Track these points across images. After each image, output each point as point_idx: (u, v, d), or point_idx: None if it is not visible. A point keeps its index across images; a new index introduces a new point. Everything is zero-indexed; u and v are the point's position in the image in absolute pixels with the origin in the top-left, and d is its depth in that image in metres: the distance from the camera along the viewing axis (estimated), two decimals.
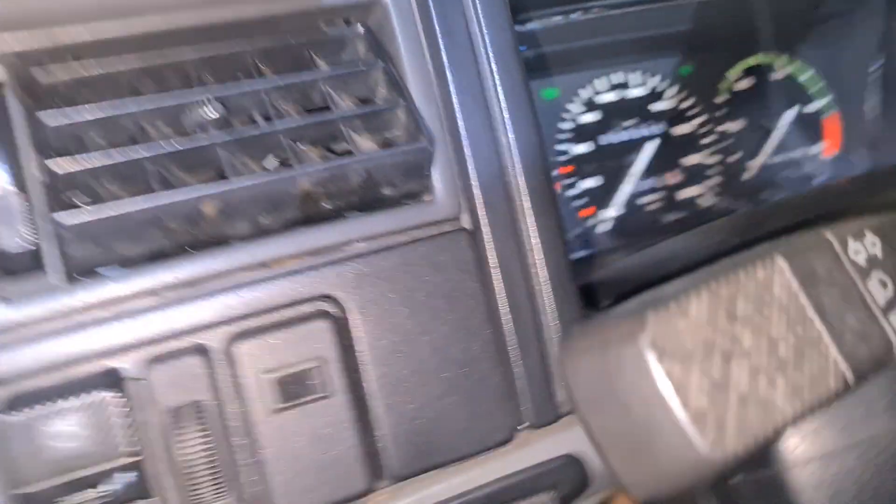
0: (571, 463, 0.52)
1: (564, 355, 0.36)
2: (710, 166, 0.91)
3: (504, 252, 0.51)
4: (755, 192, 0.92)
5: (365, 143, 0.50)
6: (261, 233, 0.48)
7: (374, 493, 0.49)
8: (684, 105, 0.90)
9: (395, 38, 0.51)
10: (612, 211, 0.87)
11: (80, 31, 0.46)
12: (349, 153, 0.49)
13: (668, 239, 0.57)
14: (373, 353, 0.48)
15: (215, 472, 0.45)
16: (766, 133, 0.92)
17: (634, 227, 0.88)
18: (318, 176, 0.47)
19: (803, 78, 0.93)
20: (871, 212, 0.41)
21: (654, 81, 0.89)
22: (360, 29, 0.52)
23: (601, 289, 0.57)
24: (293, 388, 0.47)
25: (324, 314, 0.48)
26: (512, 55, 0.53)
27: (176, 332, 0.46)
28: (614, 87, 0.88)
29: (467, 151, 0.51)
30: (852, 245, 0.35)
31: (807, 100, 0.93)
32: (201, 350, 0.46)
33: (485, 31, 0.53)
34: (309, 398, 0.47)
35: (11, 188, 0.43)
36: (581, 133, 0.87)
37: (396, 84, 0.50)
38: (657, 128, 0.89)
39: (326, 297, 0.48)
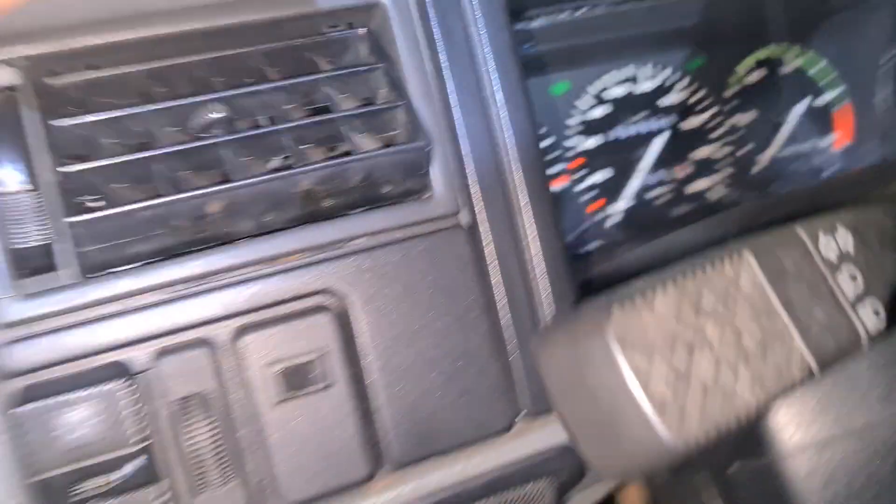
0: (568, 451, 0.54)
1: (537, 348, 0.37)
2: (719, 159, 0.91)
3: (501, 247, 0.53)
4: (765, 184, 0.92)
5: (366, 142, 0.51)
6: (265, 230, 0.49)
7: (376, 479, 0.51)
8: (694, 98, 0.91)
9: (395, 40, 0.53)
10: (622, 204, 0.88)
11: (90, 37, 0.48)
12: (350, 153, 0.50)
13: (674, 231, 0.58)
14: (373, 346, 0.50)
15: (221, 459, 0.47)
16: (777, 125, 0.92)
17: (644, 220, 0.89)
18: (318, 175, 0.49)
19: (814, 70, 0.93)
20: (877, 203, 0.42)
21: (664, 75, 0.90)
22: (362, 31, 0.53)
23: (605, 282, 0.59)
24: (296, 379, 0.49)
25: (325, 308, 0.50)
26: (509, 55, 0.54)
27: (183, 325, 0.48)
28: (624, 82, 0.89)
29: (465, 150, 0.53)
30: (823, 241, 0.36)
31: (818, 91, 0.93)
32: (208, 343, 0.48)
33: (482, 32, 0.54)
34: (312, 389, 0.49)
35: (26, 190, 0.45)
36: (591, 127, 0.88)
37: (396, 85, 0.52)
38: (667, 121, 0.90)
39: (328, 292, 0.50)
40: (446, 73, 0.53)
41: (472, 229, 0.53)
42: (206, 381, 0.47)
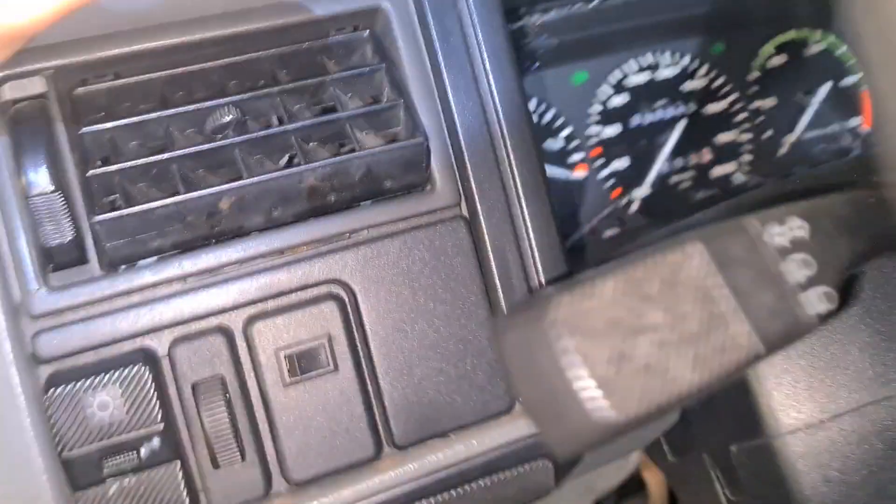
0: None
1: (497, 332, 0.40)
2: (742, 144, 0.92)
3: (499, 237, 0.55)
4: (789, 168, 0.92)
5: (370, 139, 0.54)
6: (274, 224, 0.53)
7: (381, 459, 0.54)
8: (716, 84, 0.91)
9: (396, 41, 0.55)
10: (644, 190, 0.90)
11: (113, 46, 0.52)
12: (354, 150, 0.53)
13: (690, 217, 0.60)
14: (377, 331, 0.53)
15: (236, 438, 0.50)
16: (801, 109, 0.92)
17: (666, 206, 0.90)
18: (322, 172, 0.52)
19: (840, 52, 0.93)
20: (837, 191, 0.44)
21: (685, 62, 0.91)
22: (365, 34, 0.56)
23: None
24: (304, 364, 0.52)
25: (332, 296, 0.53)
26: (504, 54, 0.56)
27: (200, 314, 0.51)
28: (644, 69, 0.90)
29: (464, 144, 0.55)
30: (771, 230, 0.38)
31: (844, 74, 0.93)
32: (223, 330, 0.51)
33: (479, 32, 0.56)
34: (319, 372, 0.52)
35: (55, 190, 0.49)
36: (611, 115, 0.89)
37: (397, 84, 0.55)
38: (688, 107, 0.91)
39: (334, 281, 0.53)
40: (445, 73, 0.55)
41: (471, 220, 0.55)
42: (221, 365, 0.51)
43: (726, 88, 0.92)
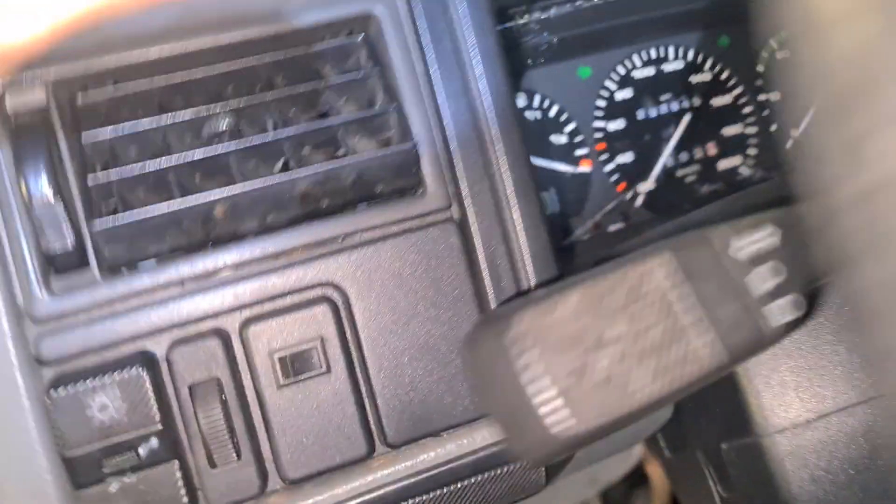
0: None
1: (464, 346, 0.41)
2: (748, 136, 0.92)
3: (490, 239, 0.56)
4: (797, 161, 0.92)
5: (363, 144, 0.55)
6: (269, 228, 0.54)
7: (373, 458, 0.55)
8: (722, 77, 0.91)
9: (389, 47, 0.56)
10: (649, 185, 0.90)
11: (111, 58, 0.53)
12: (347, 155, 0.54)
13: (694, 211, 0.60)
14: (370, 333, 0.54)
15: (232, 438, 0.52)
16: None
17: (671, 199, 0.90)
18: (314, 178, 0.53)
19: None
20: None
21: (691, 55, 0.91)
22: (359, 39, 0.57)
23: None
24: (299, 365, 0.53)
25: (325, 299, 0.54)
26: (495, 59, 0.57)
27: (197, 317, 0.53)
28: (649, 63, 0.90)
29: (455, 148, 0.56)
30: (738, 242, 0.38)
31: None
32: (219, 333, 0.53)
33: (470, 37, 0.57)
34: (312, 374, 0.53)
35: (56, 197, 0.51)
36: (617, 109, 0.90)
37: (389, 89, 0.56)
38: (694, 100, 0.91)
39: (327, 284, 0.54)
40: (436, 77, 0.56)
41: (463, 223, 0.56)
42: (218, 367, 0.52)
43: (732, 81, 0.91)
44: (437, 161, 0.56)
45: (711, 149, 0.91)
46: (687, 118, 0.90)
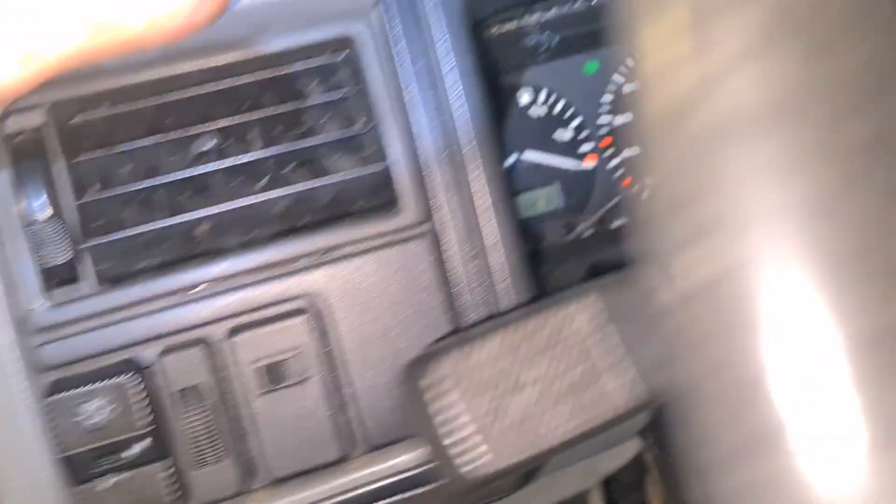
0: None
1: (400, 379, 0.43)
2: None
3: (465, 255, 0.58)
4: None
5: (343, 162, 0.58)
6: (252, 243, 0.57)
7: (354, 459, 0.58)
8: None
9: (366, 68, 0.58)
10: None
11: (106, 81, 0.56)
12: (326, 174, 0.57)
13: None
14: (349, 343, 0.57)
15: (215, 441, 0.56)
16: None
17: None
18: (294, 196, 0.56)
19: None
20: None
21: None
22: (341, 59, 0.59)
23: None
24: (280, 373, 0.57)
25: (305, 311, 0.57)
26: (471, 77, 0.59)
27: (186, 326, 0.56)
28: None
29: (430, 166, 0.58)
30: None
31: None
32: (203, 342, 0.56)
33: (447, 55, 0.58)
34: (292, 381, 0.57)
35: (53, 216, 0.55)
36: (624, 104, 0.90)
37: (368, 108, 0.58)
38: None
39: (306, 297, 0.57)
40: (413, 97, 0.58)
41: (438, 239, 0.58)
42: (203, 375, 0.56)
43: None
44: (413, 179, 0.58)
45: None
46: None
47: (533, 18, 0.80)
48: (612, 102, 0.89)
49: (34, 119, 0.56)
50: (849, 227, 0.22)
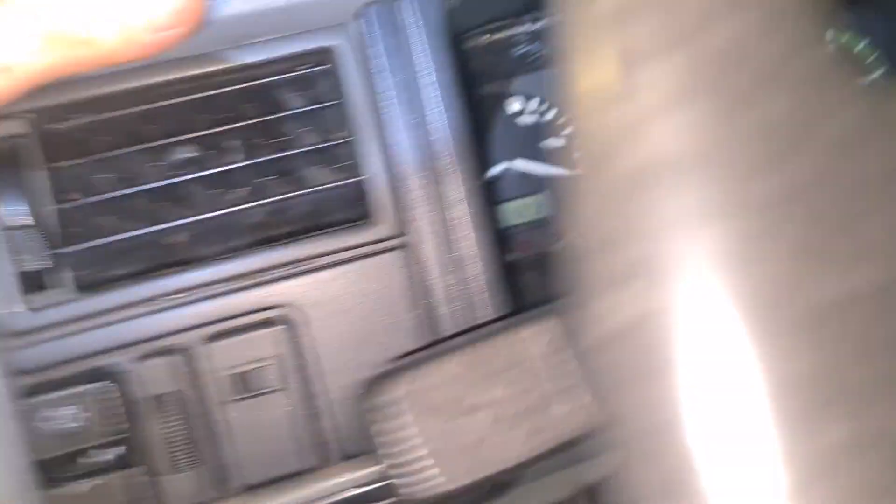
0: None
1: (357, 397, 0.44)
2: None
3: (442, 268, 0.58)
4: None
5: (321, 174, 0.58)
6: (229, 252, 0.57)
7: (329, 467, 0.59)
8: None
9: (346, 80, 0.58)
10: None
11: (85, 89, 0.57)
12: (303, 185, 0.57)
13: None
14: (324, 352, 0.58)
15: (190, 448, 0.56)
16: None
17: None
18: (271, 207, 0.56)
19: (858, 49, 0.90)
20: None
21: None
22: (321, 70, 0.60)
23: None
24: (256, 381, 0.57)
25: (282, 319, 0.58)
26: (451, 90, 0.59)
27: (163, 333, 0.57)
28: None
29: (408, 179, 0.58)
30: None
31: (862, 73, 0.90)
32: (179, 350, 0.57)
33: (427, 68, 0.59)
34: (269, 389, 0.57)
35: (33, 224, 0.55)
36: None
37: (347, 121, 0.58)
38: None
39: (282, 306, 0.58)
40: (392, 109, 0.58)
41: (415, 251, 0.58)
42: (178, 382, 0.56)
43: None
44: (389, 192, 0.58)
45: None
46: None
47: (523, 28, 0.80)
48: None
49: (15, 127, 0.57)
50: (762, 279, 0.22)
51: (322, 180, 0.58)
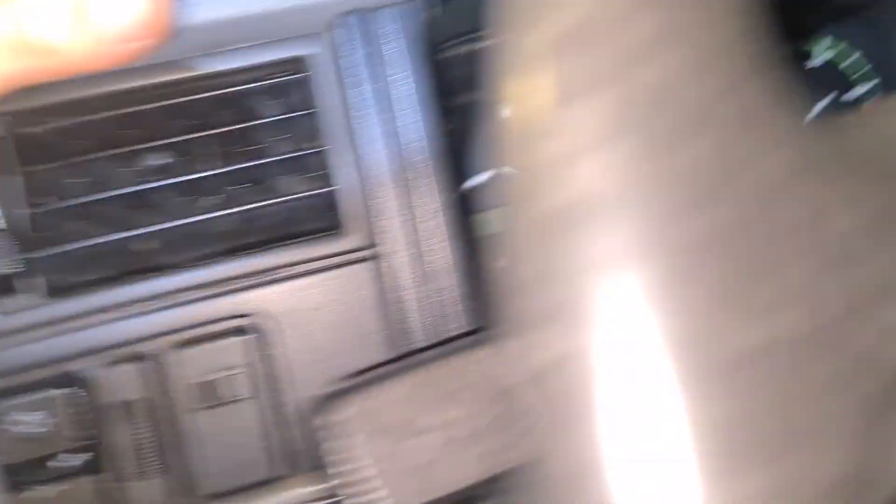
0: None
1: (310, 414, 0.44)
2: None
3: (416, 276, 0.58)
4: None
5: (293, 183, 0.58)
6: (200, 260, 0.57)
7: (296, 476, 0.59)
8: None
9: (320, 89, 0.58)
10: None
11: (60, 93, 0.57)
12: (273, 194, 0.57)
13: None
14: (293, 362, 0.58)
15: (155, 455, 0.56)
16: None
17: None
18: (242, 215, 0.56)
19: (846, 63, 0.90)
20: None
21: None
22: (295, 79, 0.59)
23: None
24: (222, 390, 0.57)
25: (251, 328, 0.57)
26: (426, 100, 0.58)
27: (132, 339, 0.57)
28: None
29: (380, 190, 0.58)
30: None
31: (847, 87, 0.90)
32: (147, 357, 0.57)
33: (402, 79, 0.58)
34: (238, 397, 0.57)
35: (3, 226, 0.55)
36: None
37: (319, 130, 0.58)
38: None
39: (254, 314, 0.57)
40: (366, 120, 0.58)
41: (386, 260, 0.58)
42: (147, 388, 0.56)
43: None
44: (363, 201, 0.58)
45: None
46: None
47: None
48: None
49: None
50: (682, 323, 0.22)
51: (294, 189, 0.57)
